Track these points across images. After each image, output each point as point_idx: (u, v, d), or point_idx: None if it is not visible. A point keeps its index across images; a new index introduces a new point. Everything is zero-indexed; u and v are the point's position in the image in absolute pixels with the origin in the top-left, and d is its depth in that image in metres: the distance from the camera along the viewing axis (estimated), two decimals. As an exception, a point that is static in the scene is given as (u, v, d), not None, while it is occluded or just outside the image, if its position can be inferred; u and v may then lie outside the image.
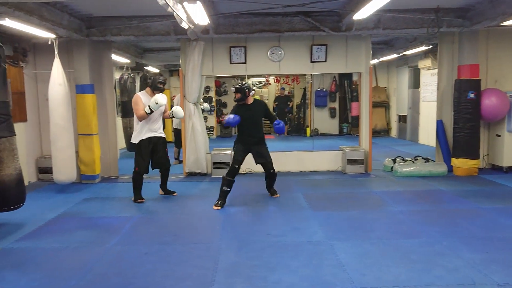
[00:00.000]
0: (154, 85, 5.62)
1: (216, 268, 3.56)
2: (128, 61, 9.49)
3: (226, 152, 7.56)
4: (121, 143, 9.64)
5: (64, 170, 6.33)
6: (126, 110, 9.42)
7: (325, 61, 7.52)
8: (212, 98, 13.92)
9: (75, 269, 3.62)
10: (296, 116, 14.78)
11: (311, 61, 7.54)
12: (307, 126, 14.05)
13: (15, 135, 4.61)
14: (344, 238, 4.23)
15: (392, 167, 7.48)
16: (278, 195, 5.93)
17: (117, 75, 9.82)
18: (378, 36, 8.30)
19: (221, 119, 14.20)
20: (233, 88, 5.65)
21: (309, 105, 14.08)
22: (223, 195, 5.49)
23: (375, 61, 11.75)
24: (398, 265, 3.56)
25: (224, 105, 14.51)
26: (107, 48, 7.49)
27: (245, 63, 7.50)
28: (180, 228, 4.72)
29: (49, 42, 6.26)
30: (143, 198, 5.76)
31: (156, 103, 5.39)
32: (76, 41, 6.82)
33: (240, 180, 7.13)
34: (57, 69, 6.20)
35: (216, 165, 7.50)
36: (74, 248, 4.13)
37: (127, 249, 4.09)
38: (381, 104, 13.71)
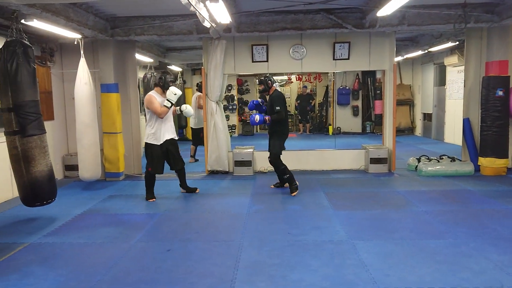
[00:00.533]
0: (166, 84, 5.65)
1: (237, 266, 3.57)
2: (151, 60, 9.61)
3: (248, 151, 7.57)
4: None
5: (89, 167, 6.47)
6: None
7: (348, 59, 7.44)
8: (234, 96, 13.97)
9: (100, 264, 3.70)
10: (318, 114, 14.68)
11: (334, 59, 7.46)
12: (329, 125, 13.94)
13: (46, 132, 4.73)
14: (367, 238, 4.18)
15: (416, 166, 7.34)
16: (294, 192, 5.95)
17: (140, 74, 9.97)
18: (403, 32, 8.16)
19: (243, 118, 14.24)
20: (256, 80, 5.89)
21: (331, 103, 13.96)
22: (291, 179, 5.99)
23: (399, 58, 11.53)
24: (423, 266, 3.49)
25: (246, 103, 14.54)
26: (131, 47, 7.61)
27: (267, 61, 7.49)
28: (202, 225, 4.76)
29: (75, 43, 6.41)
30: (154, 197, 5.82)
31: (175, 94, 5.48)
32: (101, 41, 6.95)
33: (262, 179, 7.14)
34: (82, 69, 6.34)
35: (238, 163, 7.52)
36: (99, 244, 4.22)
37: (150, 245, 4.15)
38: (406, 102, 13.47)
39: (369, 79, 13.92)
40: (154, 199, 5.79)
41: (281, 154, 6.01)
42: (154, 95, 5.61)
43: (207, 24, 5.55)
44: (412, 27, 6.80)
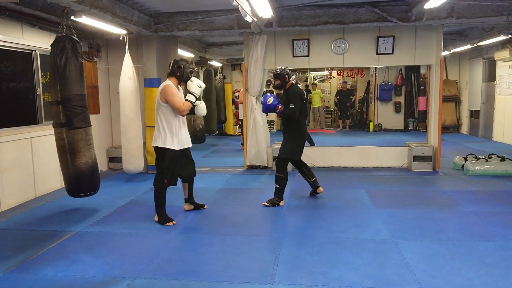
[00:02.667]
0: (186, 75, 4.56)
1: (277, 261, 3.55)
2: (192, 55, 9.74)
3: (287, 146, 7.53)
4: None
5: (133, 160, 6.65)
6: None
7: (391, 53, 7.23)
8: (273, 91, 13.91)
9: (143, 254, 3.79)
10: (359, 110, 14.39)
11: (377, 53, 7.27)
12: (370, 121, 13.63)
13: (91, 125, 4.90)
14: (411, 238, 4.05)
15: (463, 165, 7.04)
16: (266, 204, 5.21)
17: (182, 70, 10.11)
18: (451, 25, 7.84)
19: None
20: (271, 74, 5.33)
21: (372, 99, 13.65)
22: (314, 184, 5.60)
23: (446, 52, 11.10)
24: (471, 268, 3.34)
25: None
26: (174, 43, 7.73)
27: (308, 56, 7.41)
28: (241, 220, 4.78)
29: (120, 38, 6.58)
30: (172, 219, 4.65)
31: (200, 86, 4.60)
32: (145, 37, 7.11)
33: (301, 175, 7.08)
34: (127, 64, 6.51)
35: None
36: (142, 234, 4.32)
37: (190, 237, 4.21)
38: (451, 99, 12.95)
39: (412, 74, 13.48)
40: (174, 222, 4.60)
41: (289, 160, 5.33)
42: (173, 86, 4.53)
43: (248, 18, 5.55)
44: (461, 20, 6.49)
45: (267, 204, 5.22)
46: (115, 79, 7.23)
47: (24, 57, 5.83)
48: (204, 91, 12.13)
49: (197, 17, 6.84)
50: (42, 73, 6.04)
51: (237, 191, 6.07)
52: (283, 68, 5.24)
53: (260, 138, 7.53)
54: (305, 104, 5.41)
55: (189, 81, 4.57)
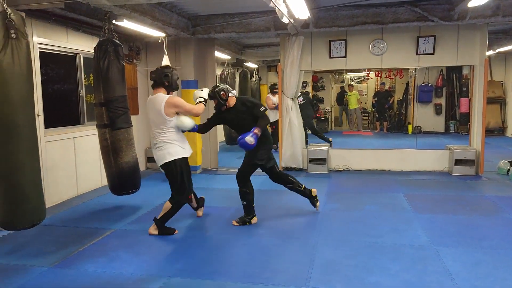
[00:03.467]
0: (175, 83, 4.37)
1: (312, 264, 3.52)
2: (228, 57, 9.82)
3: (323, 148, 7.46)
4: (221, 137, 10.04)
5: (170, 160, 6.76)
6: (226, 104, 9.81)
7: (432, 54, 7.00)
8: (309, 93, 13.83)
9: (180, 253, 3.85)
10: (397, 112, 14.03)
11: (417, 54, 7.07)
12: (409, 123, 13.26)
13: (132, 126, 5.03)
14: (452, 244, 3.90)
15: (508, 170, 6.72)
16: (236, 223, 4.65)
17: (218, 71, 10.23)
18: (496, 24, 7.48)
19: (317, 115, 14.06)
20: (207, 97, 4.61)
21: (411, 101, 13.27)
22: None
23: (490, 52, 10.63)
24: (517, 279, 3.18)
25: (321, 100, 14.33)
26: (211, 45, 7.83)
27: (345, 57, 7.30)
28: (276, 222, 4.76)
29: (159, 41, 6.73)
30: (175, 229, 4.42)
31: (202, 90, 4.63)
32: (183, 39, 7.23)
33: (337, 177, 6.99)
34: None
35: (312, 160, 7.43)
36: (179, 234, 4.39)
37: (226, 238, 4.23)
38: (496, 100, 12.41)
39: (454, 75, 13.00)
40: (176, 231, 4.39)
41: (251, 172, 4.77)
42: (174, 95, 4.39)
43: (285, 20, 5.53)
44: (508, 18, 6.20)
45: (236, 223, 4.64)
46: (153, 81, 7.39)
47: (69, 60, 6.07)
48: (240, 92, 12.17)
49: (233, 19, 6.89)
50: (85, 75, 6.27)
51: (272, 193, 6.06)
52: (216, 85, 4.61)
53: (295, 140, 7.49)
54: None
55: (198, 91, 4.57)
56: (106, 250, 3.94)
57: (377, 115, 13.96)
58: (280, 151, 7.63)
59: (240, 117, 4.58)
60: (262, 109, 4.53)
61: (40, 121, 5.21)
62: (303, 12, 5.43)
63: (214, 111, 4.81)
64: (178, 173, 4.27)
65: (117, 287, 3.22)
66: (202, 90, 4.58)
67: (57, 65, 5.93)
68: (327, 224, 4.61)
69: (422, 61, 7.16)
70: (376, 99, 13.69)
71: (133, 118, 7.19)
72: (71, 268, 3.55)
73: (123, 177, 4.86)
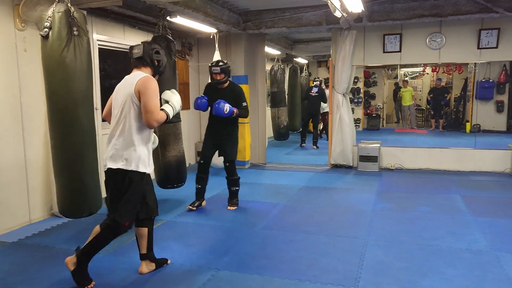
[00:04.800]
0: (164, 68, 3.33)
1: (362, 265, 3.43)
2: (279, 52, 9.78)
3: (374, 146, 7.26)
4: (269, 132, 10.05)
5: (219, 154, 6.85)
6: (275, 100, 9.80)
7: (496, 47, 6.58)
8: (360, 89, 13.51)
9: (228, 246, 3.89)
10: (454, 109, 13.38)
11: (478, 48, 6.68)
12: (467, 121, 12.60)
13: (181, 121, 5.14)
14: (514, 251, 3.66)
15: None
16: (234, 207, 5.08)
17: (268, 67, 10.23)
18: None
19: (368, 111, 13.72)
20: (218, 68, 4.70)
21: (470, 98, 12.59)
22: (196, 193, 5.09)
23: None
24: None
25: (373, 97, 13.96)
26: (261, 40, 7.83)
27: (399, 51, 7.03)
28: (325, 219, 4.69)
29: (211, 37, 6.82)
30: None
31: (173, 93, 3.32)
32: (233, 35, 7.29)
33: (388, 176, 6.78)
34: (217, 62, 6.72)
35: (363, 158, 7.25)
36: (227, 227, 4.44)
37: (273, 233, 4.23)
38: None
39: (519, 70, 12.19)
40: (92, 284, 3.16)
41: None
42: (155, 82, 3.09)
43: (338, 14, 5.41)
44: None
45: (233, 207, 5.09)
46: (205, 76, 7.52)
47: (125, 56, 6.28)
48: (290, 87, 12.10)
49: (285, 14, 6.84)
50: (140, 71, 6.47)
51: (320, 190, 5.98)
52: (225, 61, 4.87)
53: (345, 137, 7.34)
54: None
55: (169, 92, 3.30)
56: (157, 240, 4.04)
57: (432, 112, 13.40)
58: (330, 147, 7.51)
59: (232, 99, 4.77)
60: (244, 104, 4.85)
61: (98, 115, 5.45)
62: (356, 6, 5.28)
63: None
64: (137, 191, 3.13)
65: (167, 277, 3.31)
66: (172, 92, 3.30)
67: (114, 61, 6.17)
68: (378, 224, 4.47)
69: (483, 56, 6.76)
70: (431, 95, 13.13)
71: (184, 113, 7.40)
72: (124, 256, 3.69)
73: (169, 171, 4.95)
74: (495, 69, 12.28)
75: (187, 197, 5.56)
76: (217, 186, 6.20)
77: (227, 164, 5.00)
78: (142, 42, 3.25)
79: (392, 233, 4.19)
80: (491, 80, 12.29)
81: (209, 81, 4.97)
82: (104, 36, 5.65)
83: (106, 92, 5.91)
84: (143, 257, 3.39)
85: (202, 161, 5.02)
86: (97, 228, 3.11)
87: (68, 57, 3.45)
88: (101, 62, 5.71)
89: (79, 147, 3.62)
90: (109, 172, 3.07)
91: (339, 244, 3.92)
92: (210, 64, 4.85)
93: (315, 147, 9.95)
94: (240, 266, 3.47)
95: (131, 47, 3.23)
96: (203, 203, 5.16)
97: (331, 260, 3.55)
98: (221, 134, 4.91)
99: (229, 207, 5.08)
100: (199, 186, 5.07)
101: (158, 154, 4.99)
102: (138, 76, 3.07)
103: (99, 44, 5.58)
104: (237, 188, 5.14)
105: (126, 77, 3.19)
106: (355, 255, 3.63)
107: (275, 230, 4.33)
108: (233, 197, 5.15)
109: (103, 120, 4.97)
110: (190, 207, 5.02)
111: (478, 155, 7.08)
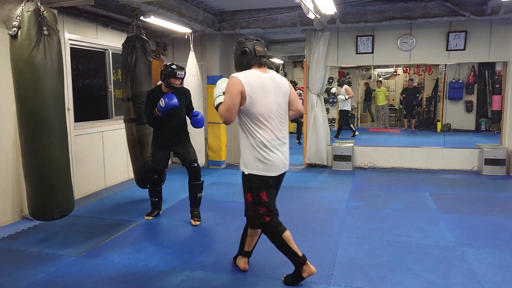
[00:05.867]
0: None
1: (334, 262, 3.51)
2: (254, 53, 9.80)
3: (348, 145, 7.39)
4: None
5: (195, 155, 6.85)
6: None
7: (463, 49, 6.81)
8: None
9: (202, 246, 3.91)
10: (426, 109, 13.73)
11: (447, 50, 6.89)
12: (438, 121, 12.96)
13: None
14: (479, 246, 3.81)
15: (542, 170, 6.50)
16: (199, 221, 4.55)
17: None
18: (532, 19, 7.22)
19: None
20: (183, 74, 4.35)
21: (441, 98, 12.95)
22: (153, 205, 4.77)
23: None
24: (547, 283, 3.08)
25: (347, 97, 14.14)
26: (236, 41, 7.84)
27: (372, 53, 7.19)
28: (299, 218, 4.76)
29: (186, 37, 6.81)
30: None
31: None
32: (208, 35, 7.29)
33: (362, 175, 6.92)
34: (191, 62, 6.72)
35: (337, 157, 7.37)
36: (202, 227, 4.45)
37: (248, 233, 4.26)
38: (531, 98, 11.95)
39: (486, 71, 12.59)
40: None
41: None
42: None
43: (311, 15, 5.49)
44: (544, 13, 5.98)
45: (198, 222, 4.54)
46: (180, 76, 7.49)
47: (98, 55, 6.22)
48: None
49: (259, 15, 6.89)
50: (114, 71, 6.41)
51: (295, 189, 6.05)
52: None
53: (320, 136, 7.44)
54: None
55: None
56: (132, 242, 4.04)
57: (405, 112, 13.71)
58: (305, 147, 7.60)
59: (181, 104, 4.38)
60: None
61: (70, 115, 5.38)
62: (329, 8, 5.37)
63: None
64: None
65: (141, 278, 3.30)
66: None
67: (87, 60, 6.09)
68: (350, 222, 4.57)
69: (452, 57, 6.98)
70: (404, 95, 13.43)
71: (160, 113, 7.34)
72: (98, 258, 3.66)
73: (148, 171, 4.94)
74: (464, 70, 12.66)
75: (164, 198, 5.53)
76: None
77: (195, 165, 4.52)
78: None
79: (364, 230, 4.29)
80: (460, 81, 12.67)
81: (159, 83, 4.46)
82: (76, 36, 5.56)
83: (80, 92, 5.84)
84: (249, 255, 3.43)
85: (156, 176, 4.58)
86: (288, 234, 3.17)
87: (38, 57, 3.39)
88: (74, 62, 5.62)
89: (49, 148, 3.56)
90: (283, 174, 3.20)
91: (313, 243, 3.99)
92: (172, 67, 4.28)
93: (297, 141, 10.28)
94: (214, 266, 3.49)
95: (260, 42, 3.16)
96: (160, 212, 4.89)
97: (304, 258, 3.60)
98: (177, 140, 4.48)
99: (195, 222, 4.51)
100: (156, 200, 4.75)
101: (136, 155, 4.96)
102: (280, 76, 3.18)
103: (71, 44, 5.49)
104: (202, 194, 4.63)
105: (267, 75, 3.07)
106: (328, 253, 3.71)
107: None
108: (197, 206, 4.61)
109: (76, 121, 4.86)
110: (148, 217, 4.69)
111: (448, 154, 7.31)
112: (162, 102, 4.15)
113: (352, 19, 6.63)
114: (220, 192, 5.92)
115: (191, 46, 6.75)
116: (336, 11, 5.68)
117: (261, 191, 3.07)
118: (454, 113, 12.78)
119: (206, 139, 7.39)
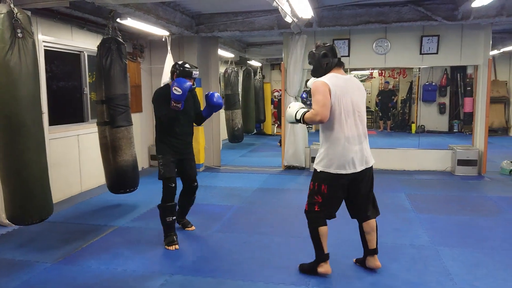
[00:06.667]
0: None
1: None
2: (232, 55, 9.83)
3: (325, 147, 7.47)
4: (223, 135, 10.07)
5: (173, 158, 6.80)
6: (229, 103, 9.84)
7: (436, 53, 7.00)
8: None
9: (181, 251, 3.88)
10: (401, 111, 14.03)
11: (421, 53, 7.07)
12: (413, 122, 13.25)
13: (132, 124, 5.06)
14: (452, 245, 3.92)
15: (511, 170, 6.72)
16: (193, 228, 4.48)
17: (221, 69, 10.26)
18: (501, 24, 7.46)
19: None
20: (197, 73, 4.00)
21: (415, 100, 13.26)
22: (170, 227, 4.02)
23: (495, 52, 10.60)
24: (516, 280, 3.20)
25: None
26: (214, 43, 7.85)
27: (348, 56, 7.30)
28: (278, 220, 4.79)
29: (163, 39, 6.75)
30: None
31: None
32: (186, 38, 7.26)
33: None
34: (169, 64, 6.66)
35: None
36: (181, 231, 4.42)
37: (227, 236, 4.27)
38: (500, 100, 12.38)
39: (458, 74, 12.98)
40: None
41: None
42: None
43: (288, 19, 5.55)
44: (512, 18, 6.21)
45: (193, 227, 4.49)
46: (157, 78, 7.44)
47: (73, 58, 6.11)
48: (243, 90, 12.26)
49: (237, 18, 6.91)
50: (89, 73, 6.31)
51: (274, 191, 6.09)
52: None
53: (298, 139, 7.51)
54: None
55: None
56: (109, 247, 3.99)
57: (380, 114, 13.97)
58: (283, 149, 7.65)
59: (189, 107, 4.11)
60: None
61: (44, 118, 5.26)
62: (306, 11, 5.44)
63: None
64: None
65: (120, 283, 3.26)
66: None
67: (61, 62, 5.97)
68: (328, 224, 4.61)
69: (425, 61, 7.16)
70: (379, 98, 13.70)
71: (137, 116, 7.28)
72: (74, 264, 3.60)
73: (121, 175, 4.88)
74: (437, 73, 13.02)
75: (139, 202, 5.49)
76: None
77: (195, 184, 4.31)
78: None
79: (342, 232, 4.35)
80: (434, 84, 13.02)
81: (164, 84, 4.33)
82: (51, 37, 5.45)
83: (55, 95, 5.73)
84: (376, 252, 3.41)
85: (173, 185, 4.01)
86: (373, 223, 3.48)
87: (12, 60, 3.31)
88: (48, 64, 5.51)
89: (26, 153, 3.49)
90: (367, 169, 3.37)
91: (292, 244, 4.02)
92: (185, 66, 3.94)
93: (279, 144, 10.28)
94: (193, 270, 3.48)
95: (336, 46, 3.34)
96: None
97: (285, 261, 3.64)
98: (186, 146, 4.14)
99: (193, 227, 4.48)
100: (174, 218, 4.05)
101: (109, 159, 4.89)
102: (355, 78, 3.44)
103: (45, 46, 5.38)
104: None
105: (346, 77, 3.26)
106: (307, 255, 3.74)
107: (229, 233, 4.37)
108: (186, 214, 4.53)
109: (50, 124, 4.77)
110: (171, 247, 3.93)
111: (422, 155, 7.49)
112: (176, 90, 3.69)
113: (328, 23, 6.73)
114: (199, 195, 5.83)
115: (169, 48, 6.70)
116: (312, 15, 5.76)
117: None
118: (428, 115, 13.11)
119: (184, 142, 7.34)
